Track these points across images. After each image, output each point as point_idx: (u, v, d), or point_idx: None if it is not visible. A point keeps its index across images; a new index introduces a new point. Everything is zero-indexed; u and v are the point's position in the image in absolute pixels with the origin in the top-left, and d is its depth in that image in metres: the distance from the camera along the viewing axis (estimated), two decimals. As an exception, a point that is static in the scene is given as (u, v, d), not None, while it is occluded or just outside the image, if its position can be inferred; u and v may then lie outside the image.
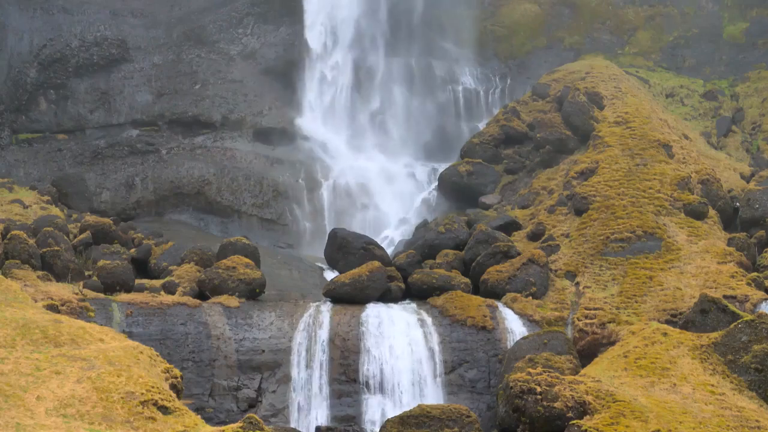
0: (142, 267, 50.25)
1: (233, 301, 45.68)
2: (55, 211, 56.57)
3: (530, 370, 38.47)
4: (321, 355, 44.20)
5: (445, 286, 47.90)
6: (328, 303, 46.73)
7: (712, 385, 38.27)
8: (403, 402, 43.00)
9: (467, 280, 49.01)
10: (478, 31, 76.52)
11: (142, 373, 32.68)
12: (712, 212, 53.33)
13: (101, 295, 44.25)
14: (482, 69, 74.48)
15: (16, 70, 66.69)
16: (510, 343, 44.78)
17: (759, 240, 51.34)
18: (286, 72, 69.99)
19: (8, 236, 45.97)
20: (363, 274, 47.41)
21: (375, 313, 45.72)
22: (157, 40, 69.26)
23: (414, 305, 47.19)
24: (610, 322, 45.72)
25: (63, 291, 43.44)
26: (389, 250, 55.74)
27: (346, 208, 65.55)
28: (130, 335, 41.06)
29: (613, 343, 43.77)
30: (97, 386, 31.46)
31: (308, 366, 44.10)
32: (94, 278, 45.63)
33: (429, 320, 45.73)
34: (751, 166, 61.89)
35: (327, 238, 53.75)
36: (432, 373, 44.30)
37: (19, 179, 62.21)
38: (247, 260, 47.65)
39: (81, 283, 45.22)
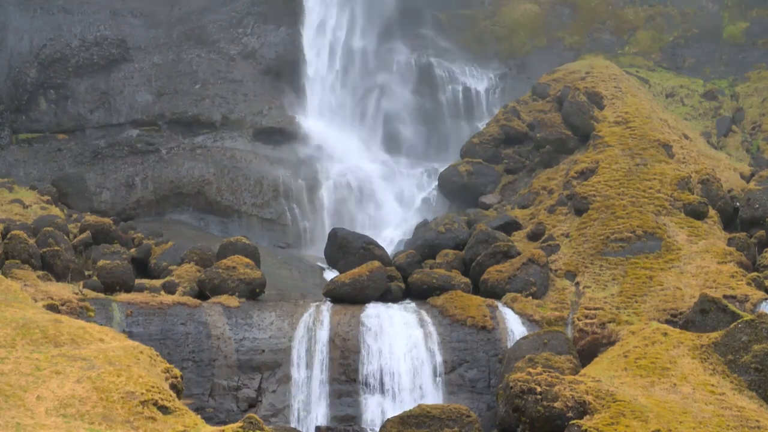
0: (142, 267, 50.26)
1: (233, 301, 45.68)
2: (55, 211, 56.59)
3: (530, 370, 38.45)
4: (321, 355, 44.20)
5: (445, 286, 47.89)
6: (328, 303, 46.73)
7: (712, 385, 38.27)
8: (403, 402, 42.99)
9: (467, 280, 49.01)
10: (478, 31, 76.55)
11: (142, 372, 32.67)
12: (712, 212, 53.32)
13: (101, 295, 44.23)
14: (482, 69, 74.50)
15: (16, 70, 66.72)
16: (510, 343, 44.77)
17: (759, 240, 51.32)
18: (287, 72, 69.97)
19: (8, 236, 45.96)
20: (363, 274, 47.40)
21: (375, 313, 45.72)
22: (157, 40, 69.28)
23: (414, 305, 47.18)
24: (610, 322, 45.72)
25: (63, 291, 43.42)
26: (389, 250, 55.73)
27: (346, 208, 65.56)
28: (130, 335, 41.03)
29: (613, 343, 43.76)
30: (97, 386, 31.45)
31: (308, 366, 44.09)
32: (94, 278, 45.62)
33: (429, 320, 45.72)
34: (751, 166, 61.88)
35: (327, 237, 53.74)
36: (432, 372, 44.29)
37: (19, 179, 62.24)
38: (247, 260, 47.64)
39: (81, 283, 45.21)
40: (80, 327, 35.74)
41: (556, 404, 36.10)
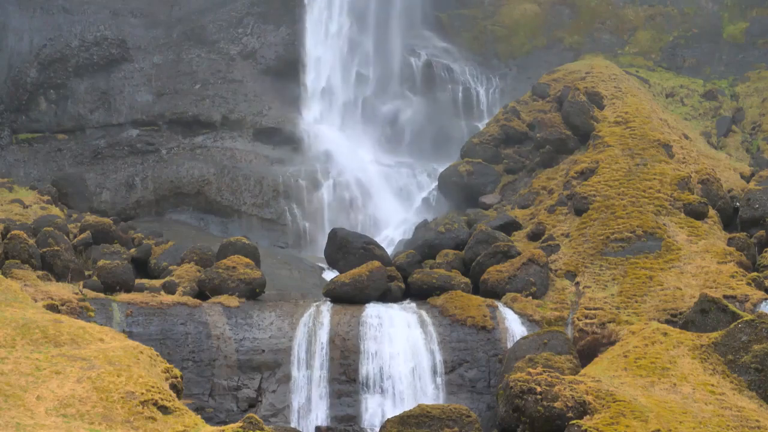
0: (142, 267, 50.27)
1: (233, 301, 45.68)
2: (55, 211, 56.61)
3: (530, 370, 38.43)
4: (321, 355, 44.20)
5: (445, 286, 47.88)
6: (328, 303, 46.73)
7: (712, 385, 38.26)
8: (403, 402, 42.98)
9: (467, 280, 49.00)
10: (478, 31, 76.56)
11: (142, 372, 32.68)
12: (712, 212, 53.32)
13: (101, 295, 44.24)
14: (482, 69, 74.49)
15: (16, 70, 66.76)
16: (510, 343, 44.77)
17: (759, 240, 51.31)
18: (286, 72, 70.01)
19: (8, 236, 45.97)
20: (363, 274, 47.40)
21: (375, 312, 45.71)
22: (157, 40, 69.32)
23: (414, 305, 47.18)
24: (610, 322, 45.71)
25: (63, 291, 43.43)
26: (389, 250, 55.74)
27: (347, 208, 65.57)
28: (130, 335, 41.06)
29: (613, 343, 43.75)
30: (97, 386, 31.46)
31: (308, 366, 44.10)
32: (94, 278, 45.62)
33: (429, 320, 45.71)
34: (751, 166, 61.85)
35: (327, 238, 53.75)
36: (432, 373, 44.29)
37: (19, 179, 62.27)
38: (247, 260, 47.64)
39: (81, 283, 45.22)
40: (80, 327, 35.76)
41: (556, 404, 36.09)
